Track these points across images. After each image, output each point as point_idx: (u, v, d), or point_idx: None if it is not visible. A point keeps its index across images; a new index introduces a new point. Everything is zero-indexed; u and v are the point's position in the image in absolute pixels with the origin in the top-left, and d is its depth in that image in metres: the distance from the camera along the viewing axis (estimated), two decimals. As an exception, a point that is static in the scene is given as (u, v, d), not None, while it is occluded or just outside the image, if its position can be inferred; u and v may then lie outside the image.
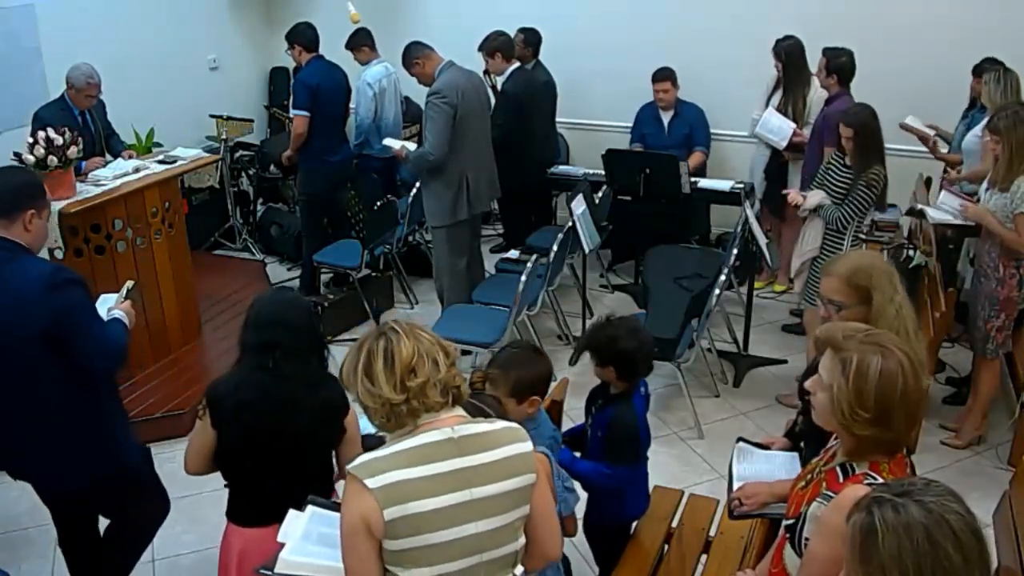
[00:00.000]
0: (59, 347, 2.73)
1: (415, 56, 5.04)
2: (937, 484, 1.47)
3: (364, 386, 1.88)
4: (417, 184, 5.89)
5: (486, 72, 6.06)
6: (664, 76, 6.13)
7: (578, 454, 3.07)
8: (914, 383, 1.84)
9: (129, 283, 3.26)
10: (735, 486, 2.70)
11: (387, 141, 5.72)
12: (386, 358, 1.87)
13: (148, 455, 3.24)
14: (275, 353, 2.56)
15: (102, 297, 3.16)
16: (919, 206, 4.67)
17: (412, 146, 5.24)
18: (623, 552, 3.05)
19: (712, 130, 6.34)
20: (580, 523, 3.01)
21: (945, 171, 5.37)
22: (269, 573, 2.18)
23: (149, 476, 3.22)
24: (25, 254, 2.77)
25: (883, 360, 1.83)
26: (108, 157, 5.34)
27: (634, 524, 3.17)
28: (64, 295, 2.72)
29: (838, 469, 1.96)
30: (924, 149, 5.50)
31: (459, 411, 1.95)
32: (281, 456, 2.59)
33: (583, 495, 3.02)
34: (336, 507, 1.91)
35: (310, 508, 2.33)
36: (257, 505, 2.62)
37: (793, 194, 4.69)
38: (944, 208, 4.51)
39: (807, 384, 2.00)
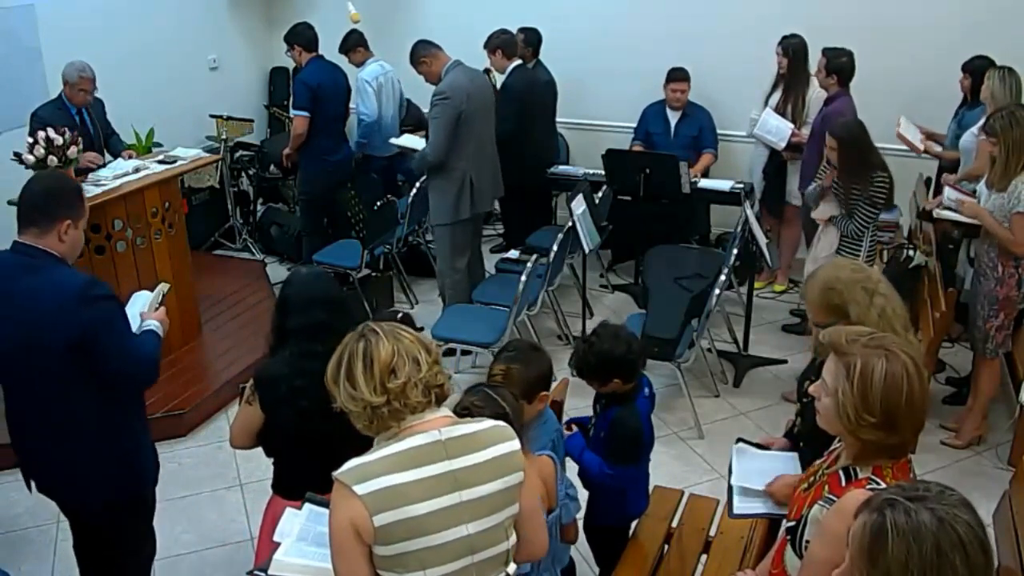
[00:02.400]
0: (88, 361, 2.64)
1: (422, 54, 5.04)
2: (952, 493, 1.46)
3: (346, 390, 1.87)
4: (418, 184, 5.91)
5: (487, 71, 6.06)
6: (682, 77, 6.11)
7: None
8: (919, 386, 1.83)
9: (164, 286, 3.16)
10: (735, 486, 2.70)
11: (403, 139, 5.72)
12: (365, 360, 1.86)
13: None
14: (324, 336, 2.54)
15: (135, 296, 3.08)
16: (926, 206, 4.68)
17: (420, 143, 5.25)
18: (623, 552, 3.05)
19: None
20: (580, 524, 3.01)
21: (940, 172, 5.38)
22: (262, 575, 2.17)
23: (153, 504, 3.12)
24: (58, 264, 2.67)
25: (887, 364, 1.82)
26: (108, 157, 5.34)
27: (634, 524, 3.17)
28: (96, 309, 2.63)
29: (841, 473, 1.96)
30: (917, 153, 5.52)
31: (444, 411, 1.94)
32: (331, 436, 2.56)
33: (583, 494, 3.02)
34: None
35: (307, 506, 2.30)
36: (303, 480, 2.59)
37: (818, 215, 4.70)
38: (951, 205, 4.51)
39: (811, 389, 2.00)
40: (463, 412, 2.35)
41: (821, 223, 4.65)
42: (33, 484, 2.94)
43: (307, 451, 2.68)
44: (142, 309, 2.98)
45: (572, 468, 3.05)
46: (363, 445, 2.66)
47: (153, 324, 2.90)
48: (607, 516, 3.12)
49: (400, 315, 2.99)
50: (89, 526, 2.97)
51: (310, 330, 2.63)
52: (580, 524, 2.98)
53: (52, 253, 2.66)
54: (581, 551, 3.35)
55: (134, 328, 2.86)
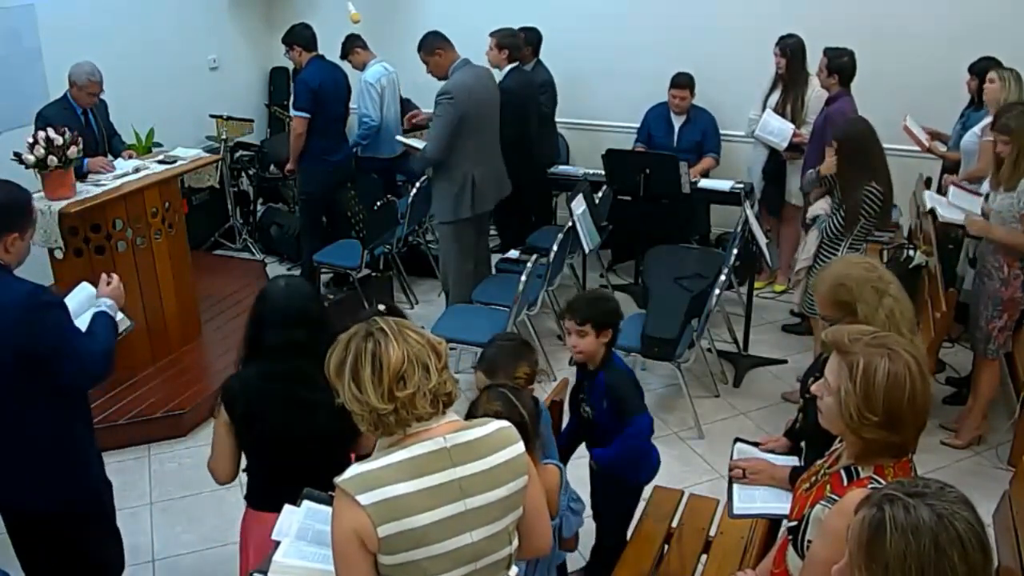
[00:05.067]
0: (36, 368, 2.63)
1: (437, 46, 5.00)
2: (951, 489, 1.46)
3: (351, 391, 1.81)
4: (418, 184, 5.91)
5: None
6: (684, 83, 6.08)
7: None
8: (922, 386, 1.84)
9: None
10: (735, 485, 2.71)
11: (401, 138, 5.72)
12: (374, 364, 1.79)
13: (110, 488, 3.11)
14: (297, 355, 2.50)
15: (81, 287, 3.03)
16: (929, 204, 4.67)
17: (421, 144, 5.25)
18: (631, 513, 3.16)
19: (714, 130, 6.35)
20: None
21: (943, 172, 5.38)
22: None
23: (110, 510, 3.09)
24: (3, 274, 2.66)
25: (890, 363, 1.83)
26: (110, 157, 5.33)
27: (635, 520, 3.18)
28: (42, 316, 2.63)
29: (843, 472, 1.96)
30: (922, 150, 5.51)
31: (451, 417, 1.90)
32: (298, 455, 2.56)
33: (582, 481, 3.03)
34: (332, 501, 1.87)
35: (305, 503, 2.27)
36: (273, 493, 2.52)
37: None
38: (956, 206, 4.49)
39: (813, 388, 2.00)
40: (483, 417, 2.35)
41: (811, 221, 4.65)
42: None
43: (276, 467, 2.62)
44: (86, 303, 2.92)
45: (574, 476, 3.06)
46: (341, 462, 2.52)
47: (105, 304, 2.86)
48: (641, 472, 3.23)
49: (383, 308, 2.94)
50: (35, 533, 2.92)
51: (286, 348, 2.54)
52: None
53: None
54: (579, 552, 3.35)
55: (87, 316, 2.85)
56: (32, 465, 2.78)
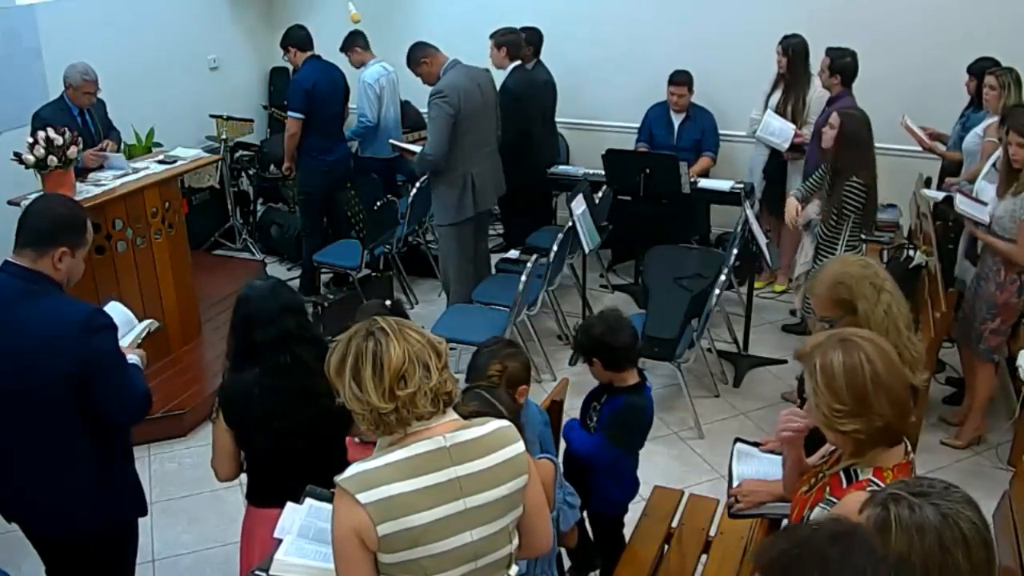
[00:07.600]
0: (84, 391, 2.57)
1: (421, 56, 5.04)
2: (956, 490, 1.47)
3: (351, 390, 1.81)
4: (418, 184, 5.91)
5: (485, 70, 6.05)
6: (682, 80, 6.09)
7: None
8: (886, 366, 1.87)
9: (154, 324, 3.07)
10: (735, 486, 2.71)
11: (396, 142, 5.73)
12: (375, 364, 1.79)
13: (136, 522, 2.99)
14: (292, 344, 2.56)
15: (112, 306, 2.99)
16: (941, 195, 4.63)
17: (418, 148, 5.26)
18: (616, 541, 3.10)
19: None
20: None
21: (943, 172, 5.37)
22: (263, 575, 2.16)
23: (134, 544, 3.02)
24: (55, 289, 2.59)
25: (843, 353, 1.87)
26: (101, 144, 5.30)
27: (632, 520, 3.18)
28: (99, 340, 2.58)
29: (842, 475, 1.97)
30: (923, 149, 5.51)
31: (451, 415, 1.90)
32: (304, 444, 2.58)
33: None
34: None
35: (308, 501, 2.28)
36: (277, 488, 2.54)
37: (790, 208, 4.68)
38: (964, 211, 4.47)
39: (804, 409, 2.02)
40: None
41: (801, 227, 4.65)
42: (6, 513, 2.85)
43: (284, 462, 2.62)
44: (123, 331, 2.87)
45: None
46: (343, 447, 2.63)
47: (135, 359, 2.82)
48: (601, 503, 3.16)
49: (389, 303, 2.96)
50: (70, 559, 2.86)
51: (280, 340, 2.57)
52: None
53: (48, 276, 2.58)
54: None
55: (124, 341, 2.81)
56: (79, 490, 2.70)
